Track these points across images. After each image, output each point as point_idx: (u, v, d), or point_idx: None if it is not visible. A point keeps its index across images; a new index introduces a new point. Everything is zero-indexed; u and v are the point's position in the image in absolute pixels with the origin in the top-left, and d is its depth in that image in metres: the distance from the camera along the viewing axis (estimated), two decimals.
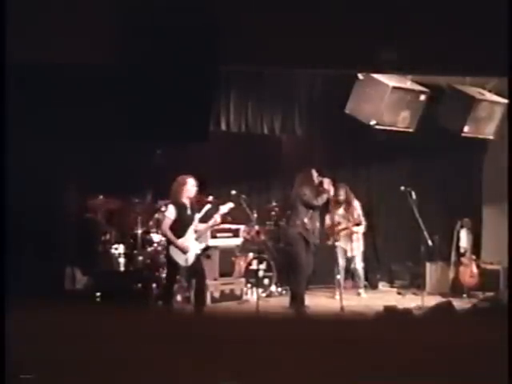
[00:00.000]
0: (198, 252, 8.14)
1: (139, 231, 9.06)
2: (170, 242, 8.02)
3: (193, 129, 6.33)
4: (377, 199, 11.62)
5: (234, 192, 9.47)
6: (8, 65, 5.69)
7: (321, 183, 9.02)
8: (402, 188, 9.51)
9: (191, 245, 8.01)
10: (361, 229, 10.49)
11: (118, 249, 9.02)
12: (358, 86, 9.51)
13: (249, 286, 9.79)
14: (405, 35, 6.35)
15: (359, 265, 10.49)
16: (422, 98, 9.69)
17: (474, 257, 10.64)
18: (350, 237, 10.38)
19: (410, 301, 9.50)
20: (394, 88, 9.37)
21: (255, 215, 10.02)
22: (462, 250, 10.61)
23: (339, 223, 10.24)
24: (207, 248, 9.26)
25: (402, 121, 9.71)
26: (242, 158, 10.63)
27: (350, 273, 10.65)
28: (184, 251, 7.94)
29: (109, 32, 5.96)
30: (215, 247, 9.75)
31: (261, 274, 9.76)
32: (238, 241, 10.13)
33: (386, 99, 9.37)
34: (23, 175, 7.78)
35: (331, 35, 6.41)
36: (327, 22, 6.38)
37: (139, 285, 8.70)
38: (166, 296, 8.25)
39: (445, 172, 11.46)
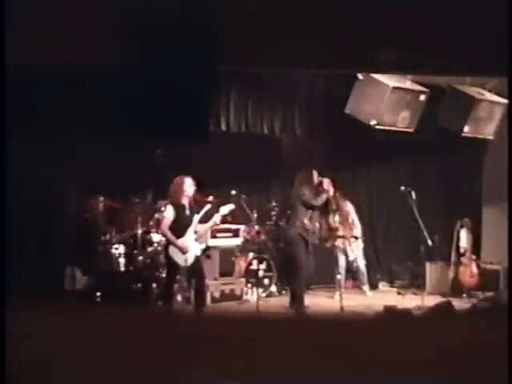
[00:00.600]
0: (198, 252, 8.15)
1: (139, 231, 9.06)
2: (169, 242, 8.04)
3: (193, 129, 6.34)
4: (377, 199, 11.62)
5: (233, 192, 9.47)
6: (8, 65, 5.69)
7: (320, 183, 9.03)
8: (402, 188, 9.52)
9: (191, 245, 8.02)
10: (357, 233, 10.50)
11: (118, 249, 9.03)
12: (357, 86, 9.51)
13: (249, 285, 9.79)
14: (405, 35, 6.35)
15: (361, 262, 10.54)
16: (422, 98, 9.70)
17: (473, 257, 10.65)
18: (348, 241, 10.40)
19: (410, 301, 9.51)
20: (394, 88, 9.37)
21: (255, 215, 10.02)
22: (461, 250, 10.61)
23: (337, 229, 10.19)
24: (207, 248, 9.27)
25: (402, 121, 9.72)
26: (242, 158, 10.63)
27: (350, 272, 10.66)
28: (184, 251, 7.95)
29: (109, 32, 5.96)
30: (215, 247, 9.75)
31: (261, 273, 9.76)
32: (237, 241, 10.13)
33: (386, 99, 9.37)
34: (23, 175, 7.78)
35: (331, 35, 6.41)
36: (327, 22, 6.38)
37: (139, 285, 8.71)
38: (165, 296, 8.26)
39: (445, 172, 11.47)
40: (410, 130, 9.83)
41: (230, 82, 9.62)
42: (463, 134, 9.89)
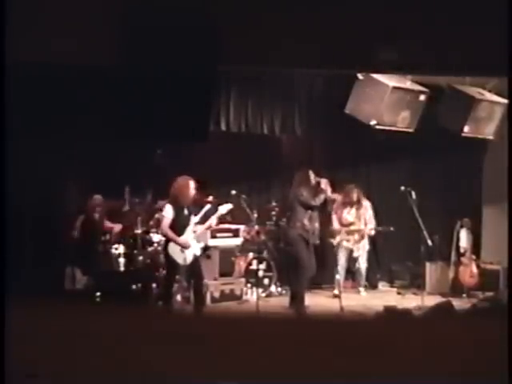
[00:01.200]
0: (197, 252, 8.16)
1: (139, 231, 9.06)
2: (168, 241, 8.06)
3: (193, 129, 6.34)
4: (377, 199, 11.61)
5: (233, 192, 9.48)
6: (8, 65, 5.69)
7: (318, 183, 9.04)
8: (402, 188, 9.52)
9: (190, 244, 8.07)
10: (370, 229, 10.59)
11: (118, 249, 9.03)
12: (357, 85, 9.51)
13: (249, 285, 9.79)
14: (405, 35, 6.35)
15: (363, 265, 10.59)
16: (422, 98, 9.69)
17: (473, 257, 10.64)
18: (360, 237, 10.48)
19: (410, 301, 9.51)
20: (394, 88, 9.37)
21: (255, 215, 10.02)
22: (461, 250, 10.61)
23: (353, 223, 10.45)
24: (207, 248, 9.28)
25: (402, 121, 9.71)
26: (242, 158, 10.63)
27: (350, 273, 10.68)
28: (186, 246, 7.99)
29: (109, 32, 5.96)
30: (215, 247, 9.75)
31: (261, 274, 9.76)
32: (238, 241, 10.13)
33: (386, 99, 9.37)
34: (23, 175, 7.78)
35: (331, 35, 6.40)
36: (327, 22, 6.37)
37: (139, 285, 8.70)
38: (165, 295, 8.27)
39: (445, 172, 11.46)
40: (410, 130, 9.83)
41: (230, 82, 9.61)
42: (463, 134, 9.88)
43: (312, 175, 9.07)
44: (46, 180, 8.51)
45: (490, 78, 9.52)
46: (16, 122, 6.55)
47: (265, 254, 10.17)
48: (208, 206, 8.51)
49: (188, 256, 8.03)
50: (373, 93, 9.40)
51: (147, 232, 9.16)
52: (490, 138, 10.26)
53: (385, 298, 10.19)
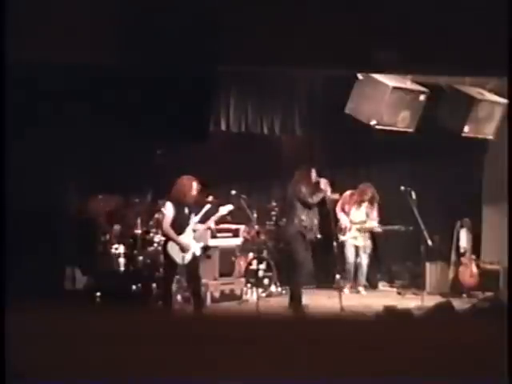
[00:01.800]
0: (196, 251, 8.17)
1: (139, 231, 9.06)
2: (167, 240, 8.07)
3: (193, 129, 6.33)
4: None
5: (233, 192, 9.48)
6: (8, 65, 5.69)
7: (318, 183, 9.06)
8: (402, 188, 9.52)
9: (190, 243, 8.07)
10: (375, 226, 10.71)
11: (118, 249, 9.02)
12: (357, 86, 9.50)
13: (249, 285, 9.78)
14: (405, 35, 6.35)
15: (365, 261, 10.66)
16: (422, 98, 9.69)
17: (473, 257, 10.64)
18: (368, 234, 10.68)
19: (410, 301, 9.51)
20: (394, 88, 9.36)
21: (255, 215, 10.02)
22: (461, 250, 10.61)
23: (365, 221, 10.60)
24: (207, 248, 9.28)
25: (402, 121, 9.71)
26: (242, 158, 10.63)
27: (349, 273, 10.70)
28: (185, 249, 7.99)
29: (109, 32, 5.96)
30: (215, 247, 9.75)
31: (261, 273, 9.76)
32: (238, 241, 10.13)
33: (386, 99, 9.37)
34: (23, 175, 7.78)
35: (331, 35, 6.40)
36: (327, 22, 6.37)
37: (139, 285, 8.70)
38: (164, 294, 8.27)
39: (445, 172, 11.45)
40: (410, 130, 9.83)
41: (230, 82, 9.61)
42: (463, 134, 9.88)
43: (314, 173, 9.08)
44: (46, 180, 8.50)
45: (489, 77, 9.51)
46: (16, 121, 6.55)
47: (265, 254, 10.17)
48: (208, 206, 8.51)
49: (187, 255, 8.04)
50: (373, 93, 9.39)
51: (147, 232, 9.16)
52: (490, 137, 10.25)
53: (385, 298, 10.19)
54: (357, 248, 10.67)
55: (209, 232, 9.26)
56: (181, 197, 8.06)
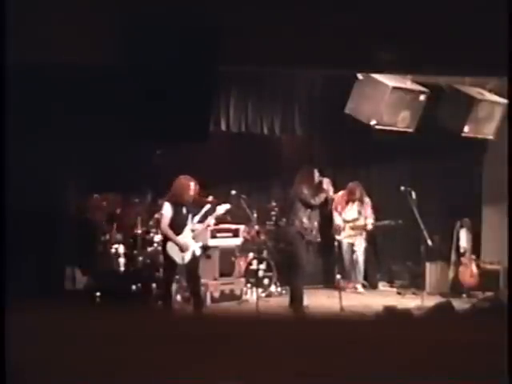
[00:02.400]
0: (196, 251, 8.18)
1: (139, 231, 9.06)
2: (166, 240, 8.07)
3: (193, 129, 6.33)
4: (377, 199, 11.61)
5: (233, 192, 9.48)
6: (8, 65, 5.69)
7: (320, 183, 9.05)
8: (402, 188, 9.53)
9: (189, 243, 8.08)
10: (369, 223, 10.73)
11: (118, 249, 9.03)
12: (357, 86, 9.50)
13: (249, 286, 9.79)
14: (405, 35, 6.35)
15: (361, 257, 10.73)
16: (422, 98, 9.69)
17: (473, 257, 10.64)
18: (361, 232, 10.73)
19: (410, 301, 9.51)
20: (394, 88, 9.36)
21: (255, 215, 10.02)
22: (461, 250, 10.61)
23: (357, 219, 10.67)
24: (207, 248, 9.28)
25: (402, 121, 9.71)
26: (242, 158, 10.63)
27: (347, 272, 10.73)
28: (184, 249, 7.99)
29: (109, 32, 5.96)
30: (215, 247, 9.75)
31: (261, 273, 9.77)
32: (238, 241, 10.13)
33: (386, 99, 9.37)
34: (23, 175, 7.78)
35: (331, 35, 6.40)
36: (327, 22, 6.37)
37: (139, 285, 8.70)
38: (164, 294, 8.28)
39: (445, 172, 11.46)
40: (410, 130, 9.83)
41: (230, 82, 9.61)
42: (463, 134, 9.88)
43: (316, 174, 9.08)
44: (46, 180, 8.50)
45: (489, 77, 9.51)
46: (16, 122, 6.55)
47: (265, 254, 10.18)
48: (208, 206, 8.52)
49: (186, 255, 8.05)
50: (373, 93, 9.39)
51: (147, 232, 9.16)
52: (490, 137, 10.25)
53: (385, 298, 10.19)
54: (352, 246, 10.73)
55: (208, 232, 9.26)
56: (179, 197, 8.07)
